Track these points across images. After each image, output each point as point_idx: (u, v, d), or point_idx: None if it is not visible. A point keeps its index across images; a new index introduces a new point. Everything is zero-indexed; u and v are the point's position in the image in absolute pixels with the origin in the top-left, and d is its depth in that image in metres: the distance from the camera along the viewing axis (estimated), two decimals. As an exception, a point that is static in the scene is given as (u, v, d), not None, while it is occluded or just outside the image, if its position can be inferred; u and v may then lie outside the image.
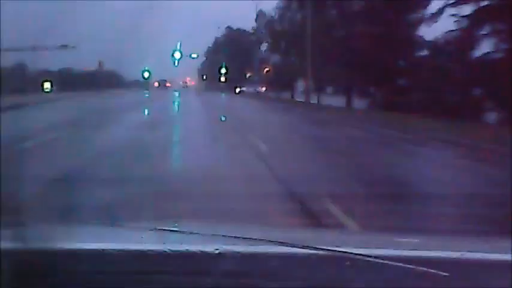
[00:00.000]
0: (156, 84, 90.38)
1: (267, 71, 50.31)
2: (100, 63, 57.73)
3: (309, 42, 30.02)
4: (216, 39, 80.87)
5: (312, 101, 35.35)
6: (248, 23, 73.50)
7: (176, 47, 61.18)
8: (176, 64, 61.51)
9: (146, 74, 72.72)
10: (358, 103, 29.29)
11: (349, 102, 30.47)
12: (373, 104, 26.31)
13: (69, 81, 74.55)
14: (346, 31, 27.80)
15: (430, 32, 22.19)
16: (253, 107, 35.27)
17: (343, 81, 33.11)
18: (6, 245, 1.36)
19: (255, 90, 66.60)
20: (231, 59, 72.79)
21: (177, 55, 63.95)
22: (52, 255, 1.36)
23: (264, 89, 69.06)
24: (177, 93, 62.62)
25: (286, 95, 48.28)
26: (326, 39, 29.39)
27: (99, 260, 1.35)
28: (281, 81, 49.21)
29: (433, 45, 21.73)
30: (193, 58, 68.77)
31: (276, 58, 51.66)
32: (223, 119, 21.98)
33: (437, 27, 21.66)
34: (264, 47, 56.12)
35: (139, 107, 30.83)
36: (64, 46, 55.87)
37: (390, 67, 23.14)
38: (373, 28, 24.55)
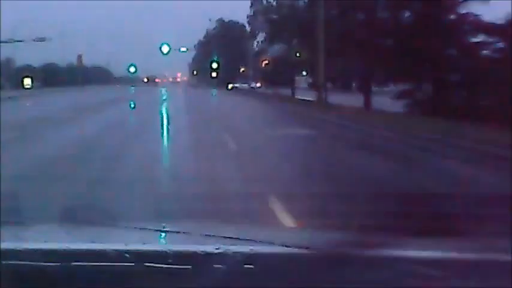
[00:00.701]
0: (146, 79, 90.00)
1: (266, 64, 43.80)
2: (79, 58, 52.11)
3: (321, 28, 24.57)
4: (208, 32, 75.48)
5: (319, 100, 29.25)
6: (241, 15, 68.33)
7: (164, 40, 57.10)
8: (166, 53, 55.51)
9: (132, 69, 69.88)
10: (380, 102, 23.32)
11: (367, 102, 24.85)
12: (413, 106, 19.32)
13: (53, 76, 71.58)
14: (369, 11, 22.41)
15: (487, 11, 16.88)
16: (250, 112, 26.50)
17: (360, 76, 27.89)
18: (6, 245, 1.38)
19: (250, 86, 61.01)
20: (223, 52, 67.73)
21: (165, 49, 59.29)
22: (52, 255, 1.37)
23: (258, 84, 63.78)
24: (164, 90, 57.95)
25: (285, 91, 42.46)
26: (342, 24, 24.14)
27: (99, 260, 1.35)
28: (280, 76, 43.68)
29: (493, 28, 15.99)
30: (182, 52, 63.66)
31: (274, 50, 45.50)
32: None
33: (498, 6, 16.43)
34: (261, 37, 49.21)
35: (112, 105, 29.55)
36: (41, 39, 51.19)
37: (435, 57, 17.30)
38: (406, 4, 19.25)
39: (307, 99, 31.79)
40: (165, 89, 62.69)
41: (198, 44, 75.01)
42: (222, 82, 67.34)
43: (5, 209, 3.35)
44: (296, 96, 38.68)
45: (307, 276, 1.31)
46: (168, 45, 58.00)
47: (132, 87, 64.85)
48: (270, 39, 43.34)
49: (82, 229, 1.86)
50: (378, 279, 1.29)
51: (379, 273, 1.30)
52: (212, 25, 74.43)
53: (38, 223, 2.00)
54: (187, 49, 64.60)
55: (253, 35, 48.62)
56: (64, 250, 1.40)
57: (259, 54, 51.19)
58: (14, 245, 1.40)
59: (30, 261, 1.33)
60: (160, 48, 56.12)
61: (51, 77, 71.23)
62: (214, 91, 55.30)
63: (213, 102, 36.85)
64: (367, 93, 25.37)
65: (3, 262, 1.31)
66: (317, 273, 1.32)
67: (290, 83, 43.62)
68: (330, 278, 1.30)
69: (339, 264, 1.33)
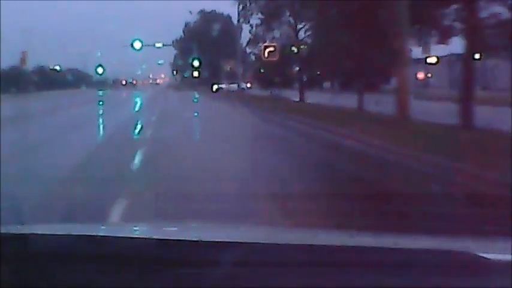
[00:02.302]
0: (124, 82, 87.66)
1: (271, 52, 29.77)
2: (23, 57, 41.99)
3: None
4: (187, 25, 65.72)
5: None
6: (226, 4, 59.07)
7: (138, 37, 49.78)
8: (139, 49, 49.60)
9: (100, 70, 61.15)
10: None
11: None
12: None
13: (16, 81, 63.10)
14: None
15: None
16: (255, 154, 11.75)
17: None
18: (6, 244, 1.39)
19: (239, 86, 51.52)
20: (206, 49, 58.32)
21: (137, 45, 51.03)
22: (51, 255, 1.38)
23: (249, 85, 54.42)
24: (134, 95, 48.77)
25: (289, 94, 32.83)
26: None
27: (99, 260, 1.36)
28: (279, 73, 34.03)
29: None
30: (158, 48, 54.15)
31: (273, 36, 33.79)
32: None
33: None
34: (254, 19, 34.98)
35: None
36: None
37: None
38: None
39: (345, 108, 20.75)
40: (137, 93, 53.24)
41: (178, 39, 65.37)
42: (206, 82, 57.98)
43: None
44: (304, 101, 29.10)
45: (307, 276, 1.31)
46: (141, 40, 50.05)
47: (101, 92, 56.00)
48: (269, 20, 31.96)
49: (82, 229, 1.89)
50: (378, 278, 1.28)
51: (379, 273, 1.29)
52: (193, 18, 64.97)
53: (38, 223, 2.14)
54: (163, 44, 55.10)
55: (245, 18, 35.67)
56: (64, 250, 1.41)
57: (252, 43, 37.90)
58: (14, 245, 1.40)
59: (30, 261, 1.35)
60: (132, 44, 49.15)
61: (14, 81, 63.67)
62: (195, 94, 45.44)
63: (187, 117, 22.91)
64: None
65: (3, 262, 1.32)
66: (317, 273, 1.32)
67: (292, 83, 34.17)
68: (330, 277, 1.31)
69: (339, 264, 1.33)
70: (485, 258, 1.36)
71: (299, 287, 1.31)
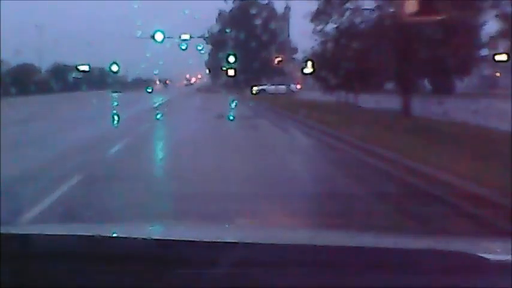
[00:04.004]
0: (157, 82, 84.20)
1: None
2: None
3: None
4: (221, 14, 54.45)
5: None
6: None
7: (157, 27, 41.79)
8: (161, 41, 41.43)
9: (115, 68, 52.30)
10: None
11: None
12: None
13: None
14: None
15: None
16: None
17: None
18: (6, 245, 1.37)
19: (289, 88, 39.81)
20: (244, 42, 47.05)
21: (159, 36, 40.66)
22: (51, 255, 1.37)
23: (299, 86, 42.85)
24: (154, 99, 37.13)
25: (366, 100, 20.91)
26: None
27: (99, 260, 1.35)
28: (358, 69, 21.37)
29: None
30: (184, 40, 43.35)
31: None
32: None
33: None
34: (312, 3, 21.46)
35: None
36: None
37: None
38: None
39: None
40: (151, 97, 41.64)
41: (210, 32, 54.11)
42: (244, 82, 46.84)
43: None
44: (418, 117, 17.09)
45: (308, 275, 1.30)
46: (163, 32, 39.71)
47: (115, 94, 46.10)
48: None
49: (82, 229, 1.88)
50: (378, 278, 1.27)
51: (379, 273, 1.28)
52: (228, 7, 53.72)
53: (38, 223, 1.96)
54: (190, 36, 44.06)
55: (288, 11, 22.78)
56: (64, 250, 1.39)
57: (319, 17, 21.57)
58: (15, 245, 1.38)
59: (30, 261, 1.34)
60: (153, 36, 41.45)
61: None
62: (232, 99, 33.44)
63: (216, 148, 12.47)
64: None
65: (4, 262, 1.30)
66: (317, 273, 1.30)
67: (402, 81, 21.93)
68: (331, 277, 1.29)
69: (339, 264, 1.32)
70: (485, 258, 1.35)
71: (299, 287, 1.30)
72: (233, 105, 29.78)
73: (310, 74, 27.94)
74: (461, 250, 1.43)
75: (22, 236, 1.45)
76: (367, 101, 21.51)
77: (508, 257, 1.36)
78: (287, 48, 36.54)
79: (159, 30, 42.04)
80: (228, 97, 36.95)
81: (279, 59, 33.71)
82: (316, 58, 23.77)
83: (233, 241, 1.46)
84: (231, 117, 22.03)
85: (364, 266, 1.31)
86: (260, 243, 1.45)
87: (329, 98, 25.68)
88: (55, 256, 1.36)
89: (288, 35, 33.10)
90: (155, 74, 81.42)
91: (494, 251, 1.49)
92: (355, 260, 1.33)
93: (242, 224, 3.23)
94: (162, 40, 41.51)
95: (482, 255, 1.37)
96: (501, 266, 1.33)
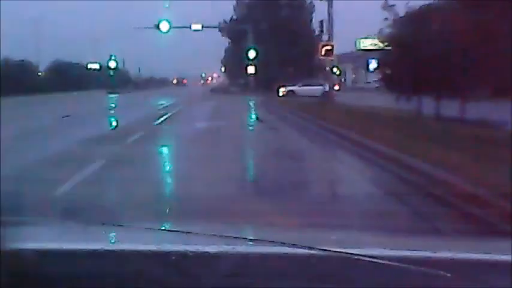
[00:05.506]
0: (175, 81, 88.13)
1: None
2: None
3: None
4: (239, 3, 46.82)
5: None
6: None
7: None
8: (166, 32, 35.84)
9: (112, 64, 47.65)
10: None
11: None
12: None
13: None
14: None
15: None
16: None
17: None
18: (6, 245, 1.38)
19: (324, 89, 31.82)
20: (268, 35, 39.80)
21: (164, 26, 34.00)
22: (51, 255, 1.36)
23: (336, 87, 34.72)
24: (161, 103, 29.25)
25: (448, 108, 12.69)
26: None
27: (99, 260, 1.34)
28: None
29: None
30: (194, 31, 35.94)
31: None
32: None
33: None
34: None
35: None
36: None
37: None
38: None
39: None
40: (164, 101, 33.61)
41: (229, 22, 46.43)
42: (268, 81, 39.23)
43: None
44: None
45: (308, 276, 1.31)
46: (169, 21, 32.68)
47: (113, 96, 39.70)
48: None
49: (81, 229, 1.86)
50: (378, 279, 1.28)
51: (379, 274, 1.28)
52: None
53: (38, 223, 2.03)
54: (202, 26, 36.55)
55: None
56: (64, 250, 1.40)
57: None
58: (15, 245, 1.38)
59: (30, 261, 1.33)
60: (157, 26, 35.98)
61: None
62: (251, 105, 25.15)
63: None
64: None
65: (4, 262, 1.30)
66: (317, 273, 1.31)
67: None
68: (330, 278, 1.30)
69: (339, 265, 1.32)
70: (485, 258, 1.36)
71: (299, 287, 1.30)
72: (253, 117, 20.26)
73: (374, 70, 20.02)
74: (461, 250, 1.44)
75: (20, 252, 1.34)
76: (448, 109, 13.44)
77: (508, 257, 1.31)
78: (326, 40, 28.66)
79: (164, 19, 34.87)
80: (246, 101, 28.93)
81: (328, 47, 25.40)
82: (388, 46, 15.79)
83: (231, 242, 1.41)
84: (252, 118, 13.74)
85: (363, 266, 1.29)
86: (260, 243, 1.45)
87: (385, 103, 17.31)
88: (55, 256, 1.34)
89: (331, 23, 25.27)
90: (168, 73, 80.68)
91: (494, 251, 1.40)
92: (354, 260, 1.30)
93: (242, 224, 2.95)
94: (168, 30, 34.22)
95: (482, 255, 1.38)
96: (501, 266, 1.31)
